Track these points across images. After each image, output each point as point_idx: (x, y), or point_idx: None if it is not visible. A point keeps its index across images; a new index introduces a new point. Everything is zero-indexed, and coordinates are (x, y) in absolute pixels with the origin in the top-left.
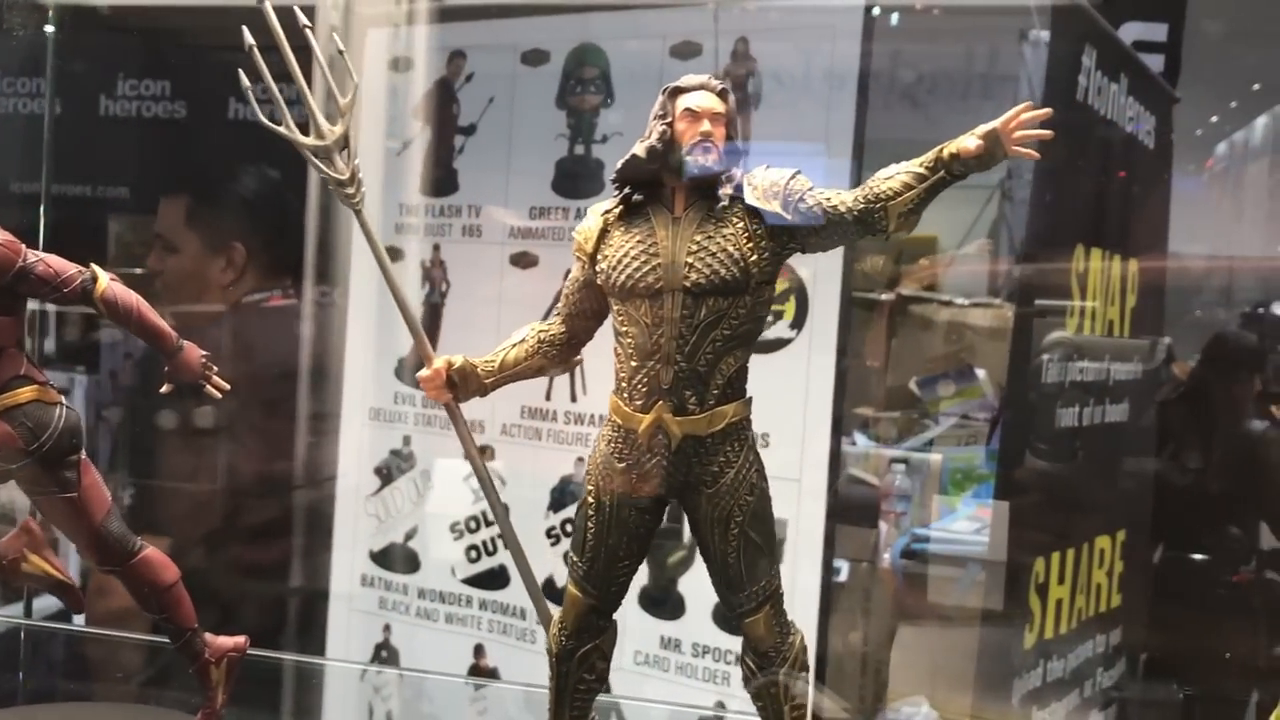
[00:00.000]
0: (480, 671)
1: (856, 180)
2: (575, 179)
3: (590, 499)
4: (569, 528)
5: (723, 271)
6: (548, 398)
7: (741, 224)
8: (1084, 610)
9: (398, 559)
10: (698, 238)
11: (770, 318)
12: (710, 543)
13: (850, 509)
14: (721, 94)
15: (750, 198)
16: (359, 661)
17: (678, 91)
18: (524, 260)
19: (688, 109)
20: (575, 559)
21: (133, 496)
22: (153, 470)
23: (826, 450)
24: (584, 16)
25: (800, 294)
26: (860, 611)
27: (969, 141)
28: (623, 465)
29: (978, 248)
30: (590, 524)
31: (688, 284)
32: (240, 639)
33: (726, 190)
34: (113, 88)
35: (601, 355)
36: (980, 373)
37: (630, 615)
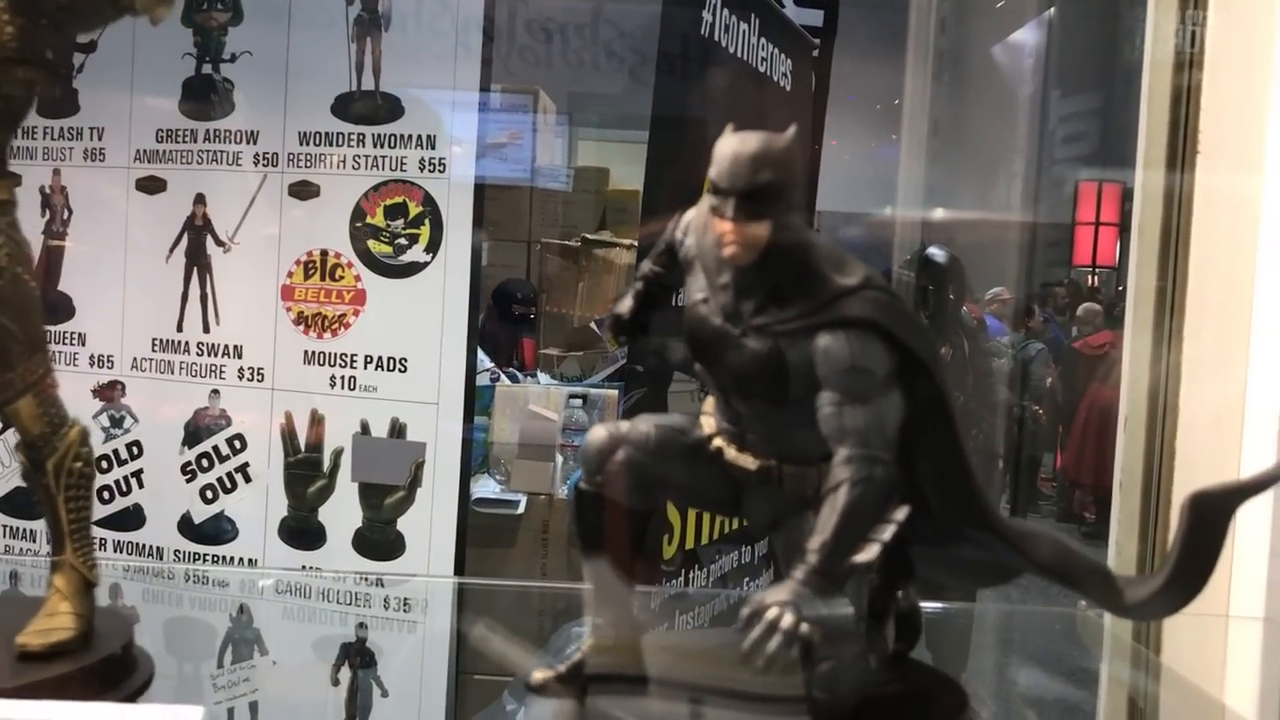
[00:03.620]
0: None
1: (481, 111)
2: (203, 100)
3: None
4: (204, 463)
5: None
6: (179, 329)
7: None
8: (726, 524)
9: (25, 504)
10: None
11: (405, 242)
12: None
13: (529, 444)
14: None
15: None
16: None
17: None
18: (151, 186)
19: None
20: None
21: None
22: None
23: (463, 374)
24: None
25: (435, 220)
26: (539, 542)
27: None
28: None
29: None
30: None
31: None
32: None
33: None
34: None
35: (231, 279)
36: None
37: (271, 548)
